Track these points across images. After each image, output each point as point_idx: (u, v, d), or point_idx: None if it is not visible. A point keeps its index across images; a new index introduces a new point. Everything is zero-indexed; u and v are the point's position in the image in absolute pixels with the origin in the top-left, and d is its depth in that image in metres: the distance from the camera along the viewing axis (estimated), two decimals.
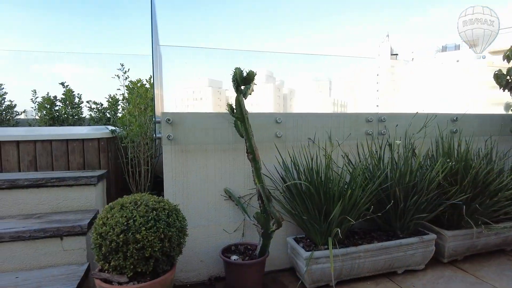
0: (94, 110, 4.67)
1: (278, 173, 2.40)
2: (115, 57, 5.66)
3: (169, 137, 2.14)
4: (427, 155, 2.60)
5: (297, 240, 2.32)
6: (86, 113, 4.71)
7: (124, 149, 2.52)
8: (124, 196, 1.77)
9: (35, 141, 2.31)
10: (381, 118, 2.66)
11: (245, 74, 1.96)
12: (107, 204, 2.39)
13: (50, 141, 2.33)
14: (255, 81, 2.05)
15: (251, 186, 2.36)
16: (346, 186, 2.19)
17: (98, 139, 2.38)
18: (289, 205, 2.31)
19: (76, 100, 4.61)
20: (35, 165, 2.33)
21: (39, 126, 4.39)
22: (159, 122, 2.14)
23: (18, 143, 2.29)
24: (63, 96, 4.51)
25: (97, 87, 5.54)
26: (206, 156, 2.26)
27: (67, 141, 2.35)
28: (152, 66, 2.06)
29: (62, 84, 4.54)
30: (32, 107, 4.49)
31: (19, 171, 2.31)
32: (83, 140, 2.36)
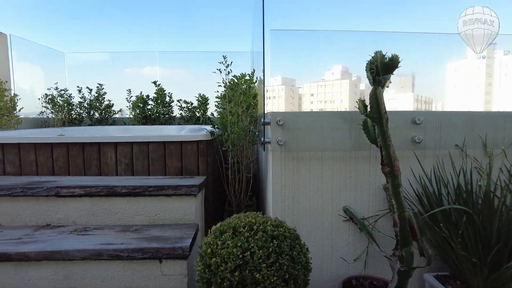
0: (185, 109, 4.59)
1: (413, 189, 1.86)
2: (204, 54, 5.60)
3: (280, 141, 1.75)
4: None
5: (441, 280, 1.75)
6: (176, 112, 4.67)
7: (224, 153, 2.23)
8: (234, 215, 1.43)
9: (132, 143, 2.13)
10: None
11: (387, 59, 1.48)
12: (205, 214, 2.13)
13: (147, 143, 2.13)
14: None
15: (377, 205, 1.86)
16: None
17: (197, 142, 2.11)
18: (429, 232, 1.75)
19: (167, 99, 4.59)
20: (131, 169, 2.15)
21: (133, 124, 4.45)
22: (268, 124, 1.77)
23: (116, 145, 2.14)
24: (155, 95, 4.52)
25: (186, 87, 5.53)
26: (322, 165, 1.83)
27: (164, 143, 2.13)
28: (263, 55, 1.70)
29: (154, 83, 4.55)
30: (127, 106, 4.58)
31: (117, 174, 2.16)
32: (181, 142, 2.12)
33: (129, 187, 1.80)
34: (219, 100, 3.04)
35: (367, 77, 1.55)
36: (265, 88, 1.82)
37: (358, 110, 1.80)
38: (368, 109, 1.57)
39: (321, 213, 1.85)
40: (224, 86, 2.24)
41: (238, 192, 2.22)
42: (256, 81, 2.17)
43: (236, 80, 2.06)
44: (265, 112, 1.79)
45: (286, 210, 1.83)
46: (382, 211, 1.86)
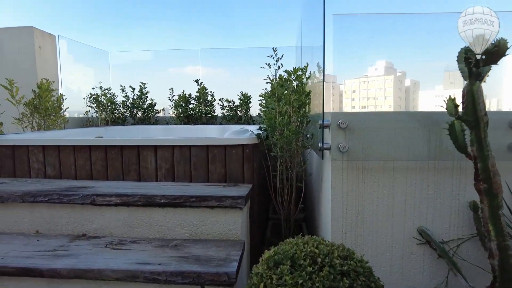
0: (226, 108, 4.43)
1: (510, 209, 1.49)
2: (247, 51, 5.40)
3: (342, 148, 1.47)
4: None
5: None
6: (217, 111, 4.53)
7: (270, 158, 1.98)
8: (289, 239, 1.17)
9: (173, 147, 1.96)
10: None
11: (489, 45, 1.15)
12: (250, 228, 1.90)
13: (189, 146, 1.94)
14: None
15: (461, 227, 1.52)
16: None
17: (243, 146, 1.88)
18: None
19: (209, 98, 4.45)
20: (172, 175, 1.98)
21: (175, 124, 4.37)
22: (327, 126, 1.49)
23: (156, 148, 1.97)
24: (197, 94, 4.40)
25: (228, 85, 5.37)
26: (393, 178, 1.52)
27: (207, 147, 1.93)
28: (324, 44, 1.42)
29: (196, 81, 4.43)
30: (170, 105, 4.50)
31: (157, 180, 2.00)
32: (225, 146, 1.90)
33: (169, 197, 1.61)
34: (264, 98, 2.81)
35: (460, 69, 1.23)
36: (324, 83, 1.55)
37: (436, 110, 1.49)
38: (460, 110, 1.25)
39: (391, 235, 1.54)
40: (272, 83, 1.99)
41: (287, 203, 1.97)
42: (308, 76, 1.90)
43: (287, 76, 1.80)
44: (324, 112, 1.51)
45: (348, 231, 1.55)
46: (467, 235, 1.52)
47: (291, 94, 1.77)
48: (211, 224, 1.62)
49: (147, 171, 2.00)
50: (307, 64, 1.86)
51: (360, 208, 1.54)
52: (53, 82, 3.38)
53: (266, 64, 1.85)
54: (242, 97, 4.41)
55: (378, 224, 1.54)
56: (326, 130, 1.54)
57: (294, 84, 1.84)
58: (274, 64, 1.85)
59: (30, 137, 2.16)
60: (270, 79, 2.05)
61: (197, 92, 4.42)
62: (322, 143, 1.51)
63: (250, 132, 2.04)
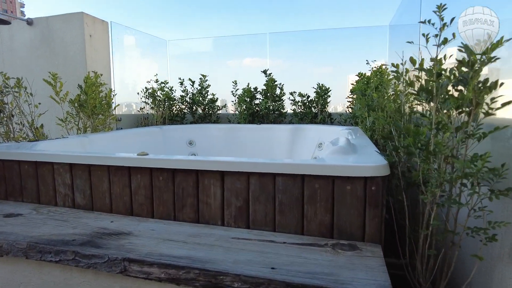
0: (299, 103, 3.65)
1: None
2: (323, 33, 4.54)
3: None
4: None
5: None
6: (287, 107, 3.78)
7: (407, 198, 1.18)
8: None
9: (248, 174, 1.25)
10: None
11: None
12: None
13: (274, 175, 1.21)
14: None
15: None
16: None
17: (365, 179, 1.11)
18: None
19: (278, 91, 3.71)
20: (246, 217, 1.28)
21: (239, 122, 3.71)
22: None
23: (223, 175, 1.28)
24: (264, 87, 3.69)
25: (300, 77, 4.57)
26: None
27: (302, 177, 1.18)
28: None
29: (264, 72, 3.70)
30: (232, 101, 3.85)
31: (222, 223, 1.31)
32: (333, 178, 1.14)
33: (248, 280, 0.90)
34: (355, 94, 2.02)
35: None
36: None
37: None
38: None
39: None
40: (421, 69, 1.14)
41: (430, 274, 1.16)
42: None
43: (472, 58, 0.96)
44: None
45: None
46: None
47: (471, 90, 0.95)
48: None
49: (209, 208, 1.32)
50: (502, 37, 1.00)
51: None
52: (101, 75, 2.89)
53: (423, 35, 1.03)
54: (318, 89, 3.60)
55: None
56: None
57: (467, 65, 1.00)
58: (435, 36, 1.03)
59: (53, 151, 1.59)
60: (399, 63, 1.24)
61: (265, 84, 3.71)
62: None
63: (375, 153, 1.25)
